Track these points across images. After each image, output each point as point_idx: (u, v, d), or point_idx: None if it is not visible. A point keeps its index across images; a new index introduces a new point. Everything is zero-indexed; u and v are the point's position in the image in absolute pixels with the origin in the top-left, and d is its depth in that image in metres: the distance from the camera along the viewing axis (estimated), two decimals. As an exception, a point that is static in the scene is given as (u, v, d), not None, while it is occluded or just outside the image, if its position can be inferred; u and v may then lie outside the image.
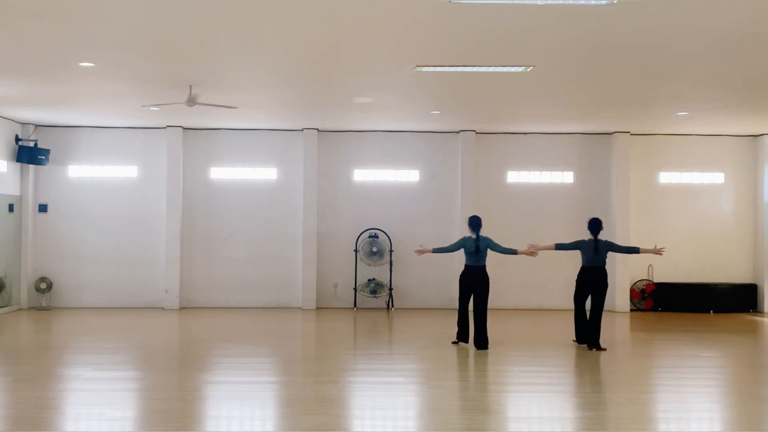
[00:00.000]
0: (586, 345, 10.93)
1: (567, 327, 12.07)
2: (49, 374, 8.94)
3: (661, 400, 8.17)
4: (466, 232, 11.20)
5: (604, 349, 10.68)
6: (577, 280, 11.16)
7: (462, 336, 11.07)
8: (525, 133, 15.88)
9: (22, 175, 15.19)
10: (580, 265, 11.07)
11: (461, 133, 15.71)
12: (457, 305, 11.22)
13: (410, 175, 15.96)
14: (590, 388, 8.42)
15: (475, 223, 11.02)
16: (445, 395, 8.10)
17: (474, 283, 10.89)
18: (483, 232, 11.03)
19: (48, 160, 15.07)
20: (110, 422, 6.86)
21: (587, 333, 10.92)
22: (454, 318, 11.28)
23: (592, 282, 10.92)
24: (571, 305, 11.34)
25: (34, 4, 7.07)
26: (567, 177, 16.07)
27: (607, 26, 7.68)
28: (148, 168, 15.67)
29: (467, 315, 11.05)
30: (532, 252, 11.15)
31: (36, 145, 14.93)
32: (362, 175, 15.93)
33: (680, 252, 16.02)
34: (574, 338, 11.30)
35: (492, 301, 15.50)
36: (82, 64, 9.54)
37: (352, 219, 15.75)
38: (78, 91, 11.59)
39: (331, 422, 6.81)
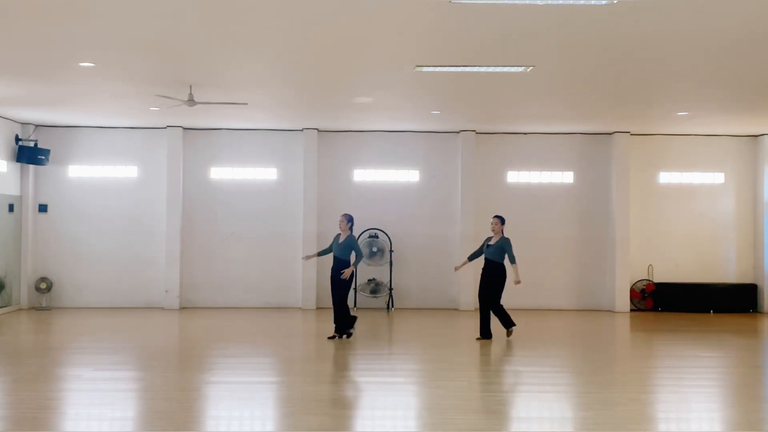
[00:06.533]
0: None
1: (567, 327, 12.08)
2: (49, 374, 8.94)
3: (661, 400, 8.17)
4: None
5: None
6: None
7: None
8: (525, 133, 15.87)
9: (22, 175, 15.19)
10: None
11: (461, 133, 15.71)
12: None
13: (410, 175, 15.95)
14: (590, 388, 8.41)
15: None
16: (445, 395, 8.10)
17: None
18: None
19: (48, 160, 15.06)
20: (110, 422, 6.86)
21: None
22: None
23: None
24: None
25: (35, 4, 7.07)
26: (567, 177, 16.07)
27: (607, 26, 7.68)
28: (148, 168, 15.67)
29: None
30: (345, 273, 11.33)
31: (36, 145, 14.93)
32: (362, 175, 15.93)
33: (680, 252, 16.04)
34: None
35: (492, 301, 15.59)
36: (82, 64, 9.54)
37: (352, 219, 15.72)
38: (78, 91, 11.59)
39: (331, 422, 6.80)
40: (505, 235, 11.45)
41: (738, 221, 16.19)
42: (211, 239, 15.74)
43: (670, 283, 15.92)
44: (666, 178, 16.20)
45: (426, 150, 15.92)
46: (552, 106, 12.82)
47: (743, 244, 16.16)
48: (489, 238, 11.59)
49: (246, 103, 11.89)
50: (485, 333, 11.45)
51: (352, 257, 11.41)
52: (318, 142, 15.66)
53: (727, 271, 16.11)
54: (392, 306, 15.56)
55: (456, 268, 12.29)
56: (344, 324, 11.45)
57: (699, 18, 7.35)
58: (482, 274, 11.55)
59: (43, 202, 15.49)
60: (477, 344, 11.17)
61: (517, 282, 11.33)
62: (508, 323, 11.52)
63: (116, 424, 6.83)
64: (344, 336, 11.46)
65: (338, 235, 11.50)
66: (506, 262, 11.43)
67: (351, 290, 11.12)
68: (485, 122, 14.73)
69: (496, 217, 11.62)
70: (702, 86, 10.91)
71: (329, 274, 10.80)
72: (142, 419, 7.04)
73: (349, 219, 11.46)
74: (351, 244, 11.33)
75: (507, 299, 15.72)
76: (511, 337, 11.48)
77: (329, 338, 11.45)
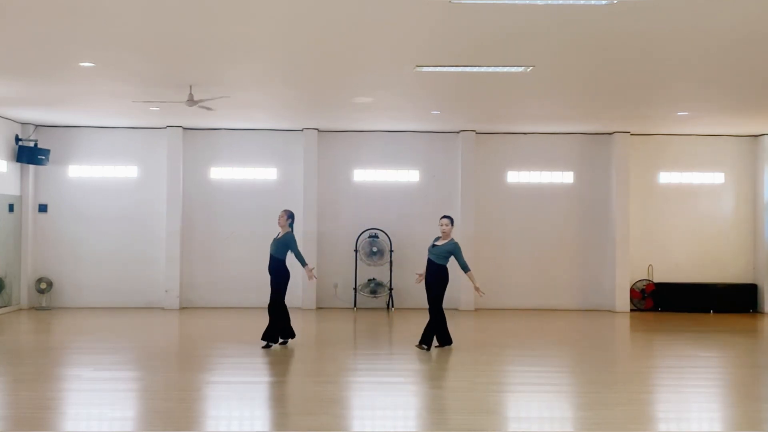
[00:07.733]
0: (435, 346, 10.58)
1: (568, 327, 12.08)
2: (49, 374, 8.94)
3: (661, 400, 8.17)
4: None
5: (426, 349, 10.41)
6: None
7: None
8: (525, 133, 15.88)
9: (22, 175, 15.19)
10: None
11: (461, 133, 15.71)
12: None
13: (410, 175, 15.95)
14: (590, 388, 8.41)
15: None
16: (445, 395, 8.11)
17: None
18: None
19: (48, 160, 15.07)
20: (110, 422, 6.86)
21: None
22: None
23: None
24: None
25: (35, 4, 7.07)
26: (567, 177, 16.07)
27: (606, 26, 7.68)
28: (148, 168, 15.68)
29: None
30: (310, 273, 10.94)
31: (36, 145, 14.93)
32: (362, 175, 15.93)
33: (680, 252, 16.04)
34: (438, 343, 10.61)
35: (493, 302, 15.61)
36: (82, 64, 9.54)
37: (352, 219, 15.74)
38: (78, 91, 11.59)
39: (331, 422, 6.81)
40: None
41: (738, 221, 16.20)
42: (211, 239, 15.74)
43: (670, 283, 15.92)
44: (666, 178, 16.20)
45: (426, 150, 15.92)
46: (552, 106, 12.82)
47: (743, 244, 16.16)
48: (437, 239, 10.65)
49: (228, 96, 11.40)
50: (445, 339, 10.52)
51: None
52: (318, 142, 15.66)
53: (727, 271, 16.11)
54: (392, 306, 15.56)
55: (417, 279, 10.77)
56: (280, 329, 10.85)
57: (699, 18, 7.35)
58: (425, 278, 10.52)
59: (43, 202, 15.49)
60: (476, 344, 11.15)
61: (477, 289, 10.19)
62: (429, 340, 10.38)
63: (116, 424, 6.83)
64: (278, 343, 10.80)
65: (279, 233, 10.83)
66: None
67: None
68: (485, 122, 14.73)
69: (446, 217, 10.72)
70: (702, 86, 10.91)
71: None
72: (142, 419, 7.04)
73: (290, 215, 10.75)
74: (288, 241, 10.62)
75: (507, 299, 15.81)
76: (420, 348, 10.50)
77: (263, 348, 10.57)
